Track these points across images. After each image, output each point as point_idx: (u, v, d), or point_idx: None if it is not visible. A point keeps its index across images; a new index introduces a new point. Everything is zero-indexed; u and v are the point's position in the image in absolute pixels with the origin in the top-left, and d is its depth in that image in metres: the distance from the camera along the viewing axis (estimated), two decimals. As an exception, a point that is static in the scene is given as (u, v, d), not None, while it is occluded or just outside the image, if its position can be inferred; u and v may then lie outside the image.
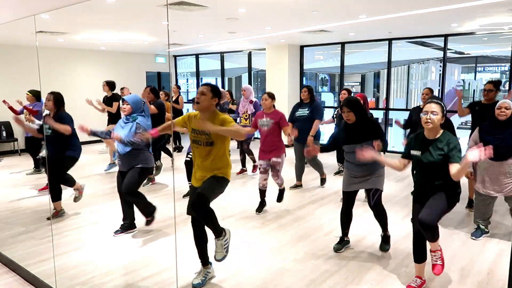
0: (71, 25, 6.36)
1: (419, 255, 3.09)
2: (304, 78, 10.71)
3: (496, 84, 4.88)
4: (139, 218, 4.28)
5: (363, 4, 5.40)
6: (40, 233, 4.31)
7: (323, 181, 6.20)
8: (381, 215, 3.77)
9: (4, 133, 7.30)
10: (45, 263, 3.54)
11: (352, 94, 6.10)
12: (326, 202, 5.41)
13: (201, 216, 3.05)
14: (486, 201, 4.09)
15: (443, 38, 8.22)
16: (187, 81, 13.48)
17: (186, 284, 3.20)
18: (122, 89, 7.04)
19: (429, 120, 2.82)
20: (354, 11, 5.83)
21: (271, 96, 4.91)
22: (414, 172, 3.23)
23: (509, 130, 3.83)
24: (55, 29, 6.56)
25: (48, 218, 4.63)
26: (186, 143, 7.13)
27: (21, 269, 3.44)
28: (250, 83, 11.66)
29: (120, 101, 6.50)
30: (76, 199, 4.83)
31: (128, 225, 4.26)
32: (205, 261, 3.25)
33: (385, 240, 3.88)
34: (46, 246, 3.92)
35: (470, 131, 4.90)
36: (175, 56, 12.62)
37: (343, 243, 3.86)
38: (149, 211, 4.23)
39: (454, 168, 2.77)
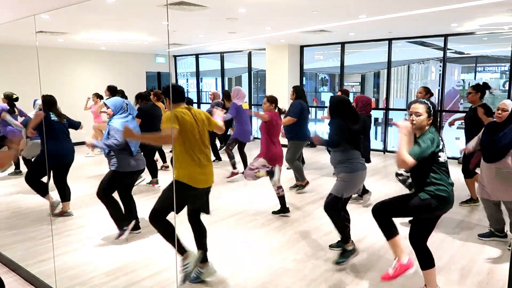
0: (71, 25, 6.36)
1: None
2: (304, 78, 10.71)
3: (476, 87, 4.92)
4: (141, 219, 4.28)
5: (363, 4, 5.40)
6: (40, 233, 4.31)
7: (300, 187, 5.86)
8: (332, 220, 3.57)
9: (4, 133, 7.29)
10: (45, 263, 3.55)
11: (351, 95, 6.10)
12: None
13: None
14: (488, 202, 3.94)
15: (443, 38, 8.21)
16: (187, 81, 13.48)
17: (186, 284, 3.20)
18: (150, 91, 7.08)
19: (413, 122, 2.80)
20: (354, 11, 5.83)
21: (270, 100, 4.81)
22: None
23: (503, 132, 3.69)
24: (55, 29, 6.56)
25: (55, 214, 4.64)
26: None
27: (21, 269, 3.44)
28: (250, 83, 11.66)
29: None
30: (55, 214, 4.68)
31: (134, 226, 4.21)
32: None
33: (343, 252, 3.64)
34: (46, 246, 3.92)
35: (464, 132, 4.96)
36: (175, 56, 12.62)
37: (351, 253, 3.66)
38: (120, 221, 4.07)
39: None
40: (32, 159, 5.24)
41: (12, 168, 6.45)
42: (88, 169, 6.78)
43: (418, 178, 2.85)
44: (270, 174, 4.71)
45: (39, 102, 4.84)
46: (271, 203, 5.12)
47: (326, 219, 4.68)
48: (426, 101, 2.84)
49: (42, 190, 4.60)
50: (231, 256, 3.73)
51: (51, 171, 4.61)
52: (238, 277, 3.34)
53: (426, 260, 2.88)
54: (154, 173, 6.05)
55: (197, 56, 12.26)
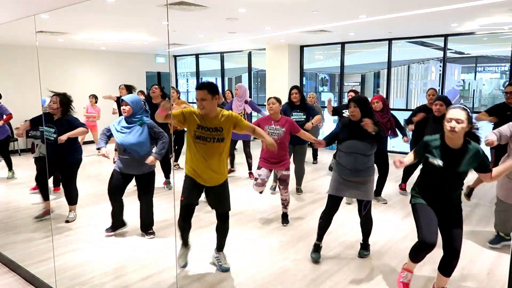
0: (71, 25, 6.36)
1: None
2: (304, 78, 10.71)
3: None
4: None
5: (363, 4, 5.40)
6: (40, 233, 4.31)
7: (299, 190, 5.82)
8: (368, 225, 3.67)
9: (4, 133, 7.28)
10: (45, 263, 3.54)
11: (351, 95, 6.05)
12: (326, 202, 5.40)
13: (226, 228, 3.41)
14: (508, 208, 3.77)
15: (443, 38, 8.22)
16: (187, 81, 13.49)
17: (186, 284, 3.20)
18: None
19: (453, 129, 2.59)
20: (354, 11, 5.83)
21: (279, 101, 4.50)
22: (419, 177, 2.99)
23: None
24: (55, 29, 6.56)
25: (37, 217, 4.58)
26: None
27: (21, 269, 3.44)
28: (250, 83, 11.66)
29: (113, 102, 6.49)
30: (68, 220, 4.53)
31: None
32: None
33: (365, 247, 3.77)
34: (46, 246, 3.91)
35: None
36: (175, 56, 12.62)
37: (319, 250, 3.66)
38: (148, 223, 4.19)
39: (487, 175, 2.72)
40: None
41: (6, 171, 6.44)
42: (87, 169, 6.78)
43: (455, 187, 2.81)
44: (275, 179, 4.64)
45: (48, 101, 4.71)
46: (271, 203, 5.12)
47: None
48: (466, 108, 2.65)
49: (73, 198, 4.59)
50: (231, 256, 3.72)
51: (59, 172, 4.60)
52: (238, 277, 3.34)
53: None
54: (167, 174, 6.06)
55: (197, 56, 12.26)
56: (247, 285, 3.22)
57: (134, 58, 10.34)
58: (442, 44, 8.33)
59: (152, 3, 4.94)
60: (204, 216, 4.43)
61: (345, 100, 11.41)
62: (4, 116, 6.11)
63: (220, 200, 3.32)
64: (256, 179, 4.46)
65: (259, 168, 4.49)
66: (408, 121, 5.43)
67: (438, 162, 2.70)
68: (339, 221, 4.61)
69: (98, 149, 3.94)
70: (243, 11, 5.66)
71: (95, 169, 6.85)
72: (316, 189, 6.02)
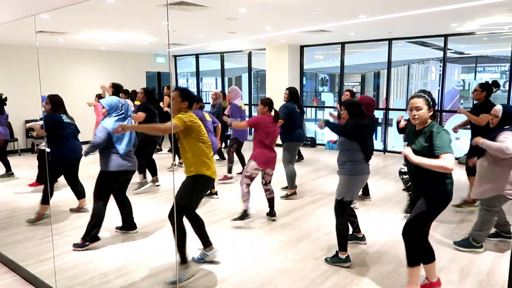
0: (71, 25, 6.36)
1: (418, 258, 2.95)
2: (304, 78, 10.71)
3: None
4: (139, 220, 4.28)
5: (363, 4, 5.40)
6: (40, 233, 4.31)
7: (286, 195, 5.65)
8: (337, 227, 3.55)
9: (4, 133, 7.28)
10: (45, 263, 3.55)
11: (356, 96, 6.05)
12: (326, 202, 5.41)
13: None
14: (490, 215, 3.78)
15: (443, 38, 8.22)
16: (187, 81, 13.48)
17: (186, 284, 3.20)
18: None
19: (415, 116, 2.79)
20: (354, 11, 5.83)
21: (263, 103, 4.70)
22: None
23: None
24: (55, 29, 6.55)
25: (29, 221, 4.54)
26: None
27: (21, 269, 3.44)
28: (250, 83, 11.66)
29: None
30: (73, 210, 4.85)
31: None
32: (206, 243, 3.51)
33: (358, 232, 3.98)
34: (46, 246, 3.92)
35: (470, 131, 4.89)
36: (175, 56, 12.62)
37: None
38: (87, 232, 3.93)
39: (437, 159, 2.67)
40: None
41: (3, 170, 6.45)
42: (86, 168, 6.77)
43: (426, 177, 2.79)
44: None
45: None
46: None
47: (326, 219, 4.71)
48: (423, 94, 2.82)
49: (80, 192, 4.82)
50: (231, 256, 3.73)
51: (61, 171, 4.66)
52: (238, 277, 3.34)
53: (430, 254, 3.01)
54: (153, 172, 6.05)
55: (197, 56, 12.26)
56: (247, 285, 3.22)
57: (134, 58, 10.34)
58: (442, 44, 8.33)
59: (152, 3, 4.94)
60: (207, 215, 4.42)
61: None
62: None
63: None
64: (245, 176, 4.61)
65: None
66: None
67: (404, 143, 2.97)
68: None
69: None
70: (243, 11, 5.66)
71: (94, 169, 6.84)
72: (316, 189, 6.02)
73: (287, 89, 5.79)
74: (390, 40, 8.86)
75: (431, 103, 2.80)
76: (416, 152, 2.74)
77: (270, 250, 3.88)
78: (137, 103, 6.06)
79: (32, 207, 5.11)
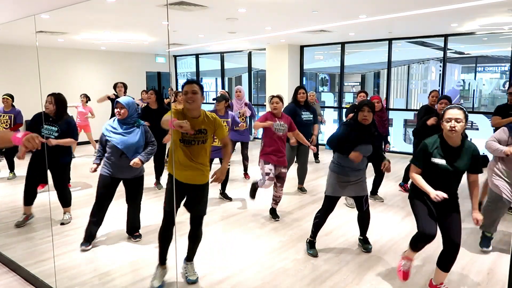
0: (71, 25, 6.36)
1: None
2: (304, 78, 10.71)
3: None
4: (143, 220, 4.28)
5: (363, 4, 5.40)
6: (40, 233, 4.31)
7: (302, 189, 5.90)
8: (368, 219, 3.84)
9: (4, 133, 7.28)
10: (45, 263, 3.55)
11: (352, 95, 6.08)
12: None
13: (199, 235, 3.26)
14: (503, 208, 3.81)
15: (443, 38, 8.22)
16: (187, 81, 13.48)
17: (186, 284, 3.20)
18: (115, 86, 6.65)
19: (454, 129, 2.70)
20: (354, 11, 5.83)
21: (282, 100, 4.67)
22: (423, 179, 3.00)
23: None
24: (55, 29, 6.56)
25: (17, 225, 4.46)
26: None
27: (21, 269, 3.44)
28: (250, 83, 11.66)
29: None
30: (63, 223, 4.49)
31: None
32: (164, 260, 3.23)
33: (366, 241, 3.91)
34: (46, 246, 3.92)
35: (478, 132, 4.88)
36: (175, 56, 12.62)
37: (315, 246, 3.81)
38: (135, 227, 4.12)
39: (475, 177, 2.86)
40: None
41: (6, 172, 6.44)
42: (84, 169, 6.78)
43: (455, 183, 2.88)
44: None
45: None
46: (270, 203, 5.11)
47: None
48: (462, 107, 2.77)
49: (67, 201, 4.52)
50: (231, 256, 3.73)
51: (62, 172, 4.50)
52: (238, 277, 3.34)
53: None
54: (159, 175, 6.06)
55: (197, 56, 12.26)
56: (247, 285, 3.22)
57: (134, 58, 10.34)
58: (442, 44, 8.33)
59: (152, 3, 4.94)
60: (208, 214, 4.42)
61: (346, 100, 11.42)
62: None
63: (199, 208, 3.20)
64: (267, 173, 4.49)
65: (266, 163, 4.52)
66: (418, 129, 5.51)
67: (442, 161, 2.79)
68: (339, 222, 4.62)
69: (95, 163, 3.90)
70: (243, 11, 5.66)
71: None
72: (316, 189, 6.02)
73: (302, 87, 5.72)
74: (390, 40, 8.86)
75: (467, 117, 2.78)
76: (459, 171, 2.80)
77: (270, 250, 3.88)
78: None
79: (32, 207, 5.11)
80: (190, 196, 3.15)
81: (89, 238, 3.90)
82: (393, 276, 3.34)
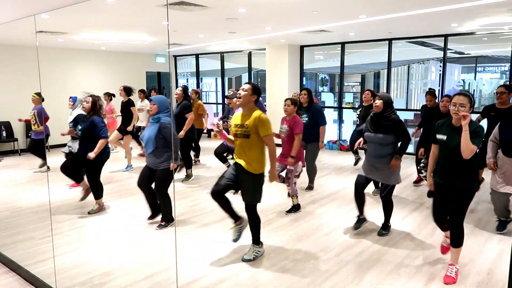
0: (71, 25, 6.36)
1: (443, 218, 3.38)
2: (304, 78, 10.71)
3: (508, 87, 4.88)
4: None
5: (363, 4, 5.40)
6: (40, 233, 4.31)
7: (310, 188, 6.02)
8: (388, 206, 4.20)
9: (4, 133, 7.30)
10: (45, 263, 3.55)
11: (351, 95, 6.11)
12: (326, 202, 5.41)
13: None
14: (501, 198, 4.12)
15: (443, 38, 8.22)
16: (187, 81, 13.49)
17: (186, 284, 3.20)
18: (150, 90, 7.39)
19: (456, 112, 3.03)
20: (354, 11, 5.82)
21: (294, 103, 4.88)
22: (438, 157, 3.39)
23: None
24: (55, 29, 6.55)
25: (90, 212, 4.81)
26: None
27: (21, 269, 3.44)
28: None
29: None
30: (91, 211, 4.85)
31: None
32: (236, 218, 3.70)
33: (384, 227, 4.25)
34: (46, 246, 3.92)
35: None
36: (175, 56, 12.61)
37: (360, 222, 4.24)
38: (168, 214, 4.38)
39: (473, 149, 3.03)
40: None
41: (9, 171, 6.47)
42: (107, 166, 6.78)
43: (459, 159, 3.07)
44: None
45: (81, 97, 5.04)
46: (271, 202, 5.12)
47: (326, 219, 4.72)
48: (468, 94, 3.07)
49: (78, 178, 4.90)
50: (231, 256, 3.73)
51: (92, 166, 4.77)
52: (238, 277, 3.34)
53: (462, 238, 3.25)
54: (187, 167, 6.50)
55: (197, 56, 12.26)
56: (247, 285, 3.22)
57: (134, 58, 10.33)
58: (442, 44, 8.33)
59: (152, 3, 4.94)
60: (208, 214, 4.43)
61: (346, 100, 11.41)
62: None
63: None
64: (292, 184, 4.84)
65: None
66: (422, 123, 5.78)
67: (443, 137, 3.18)
68: (339, 222, 4.62)
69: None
70: (243, 11, 5.66)
71: (104, 169, 6.83)
72: (317, 189, 6.02)
73: (305, 89, 5.87)
74: (390, 40, 8.86)
75: (473, 104, 3.08)
76: (458, 146, 3.02)
77: (270, 250, 3.88)
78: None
79: (32, 207, 5.12)
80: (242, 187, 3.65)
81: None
82: (393, 276, 3.35)
